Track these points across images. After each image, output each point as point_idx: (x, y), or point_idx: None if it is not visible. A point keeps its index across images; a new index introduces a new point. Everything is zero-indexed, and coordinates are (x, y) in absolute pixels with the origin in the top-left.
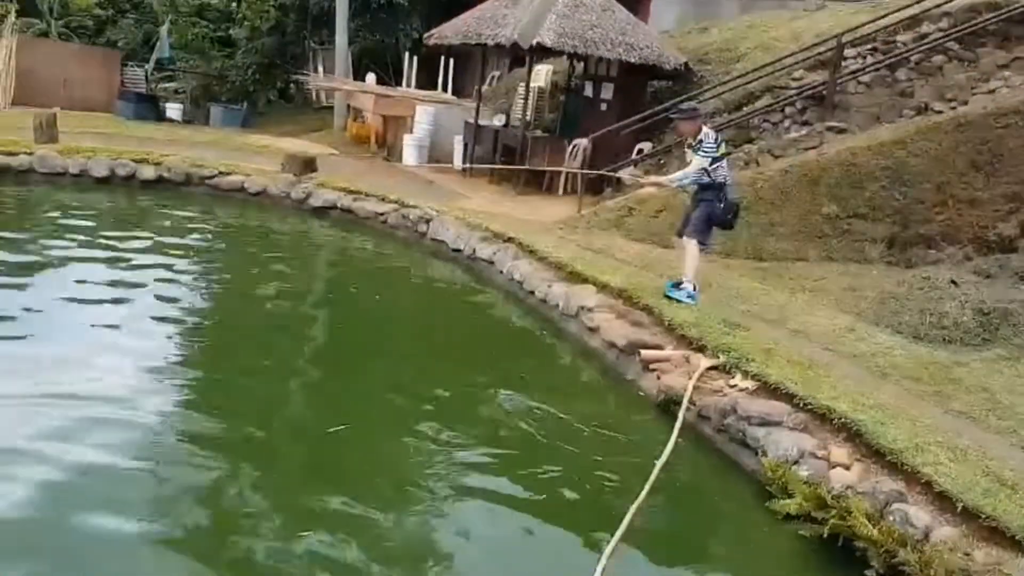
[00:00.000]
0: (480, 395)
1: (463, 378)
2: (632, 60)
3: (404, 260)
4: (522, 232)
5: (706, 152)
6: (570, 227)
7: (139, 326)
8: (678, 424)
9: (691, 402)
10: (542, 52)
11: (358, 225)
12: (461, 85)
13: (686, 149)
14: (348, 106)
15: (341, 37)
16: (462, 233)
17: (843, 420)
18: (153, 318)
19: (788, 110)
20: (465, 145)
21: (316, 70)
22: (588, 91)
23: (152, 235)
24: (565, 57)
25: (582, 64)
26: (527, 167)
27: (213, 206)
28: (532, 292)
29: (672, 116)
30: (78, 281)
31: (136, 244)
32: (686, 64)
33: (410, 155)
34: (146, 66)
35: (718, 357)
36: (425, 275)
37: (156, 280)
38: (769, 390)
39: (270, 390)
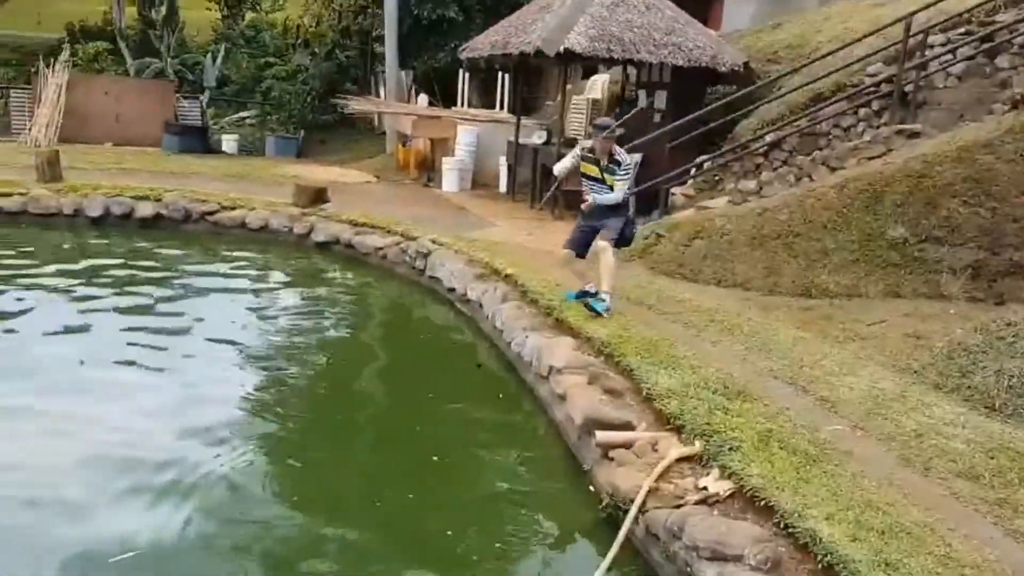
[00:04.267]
0: (385, 494)
1: (382, 479)
2: (679, 63)
3: (394, 301)
4: (528, 268)
5: (623, 175)
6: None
7: None
8: (613, 549)
9: (642, 510)
10: (576, 59)
11: (359, 262)
12: (533, 101)
13: (592, 164)
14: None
15: (391, 57)
16: (457, 270)
17: (830, 555)
18: None
19: (863, 112)
20: (509, 167)
21: (378, 94)
22: (642, 100)
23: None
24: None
25: (636, 71)
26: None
27: (207, 244)
28: (510, 343)
29: (593, 130)
30: None
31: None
32: (746, 64)
33: (450, 180)
34: (200, 97)
35: (694, 443)
36: (404, 322)
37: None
38: (746, 497)
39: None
